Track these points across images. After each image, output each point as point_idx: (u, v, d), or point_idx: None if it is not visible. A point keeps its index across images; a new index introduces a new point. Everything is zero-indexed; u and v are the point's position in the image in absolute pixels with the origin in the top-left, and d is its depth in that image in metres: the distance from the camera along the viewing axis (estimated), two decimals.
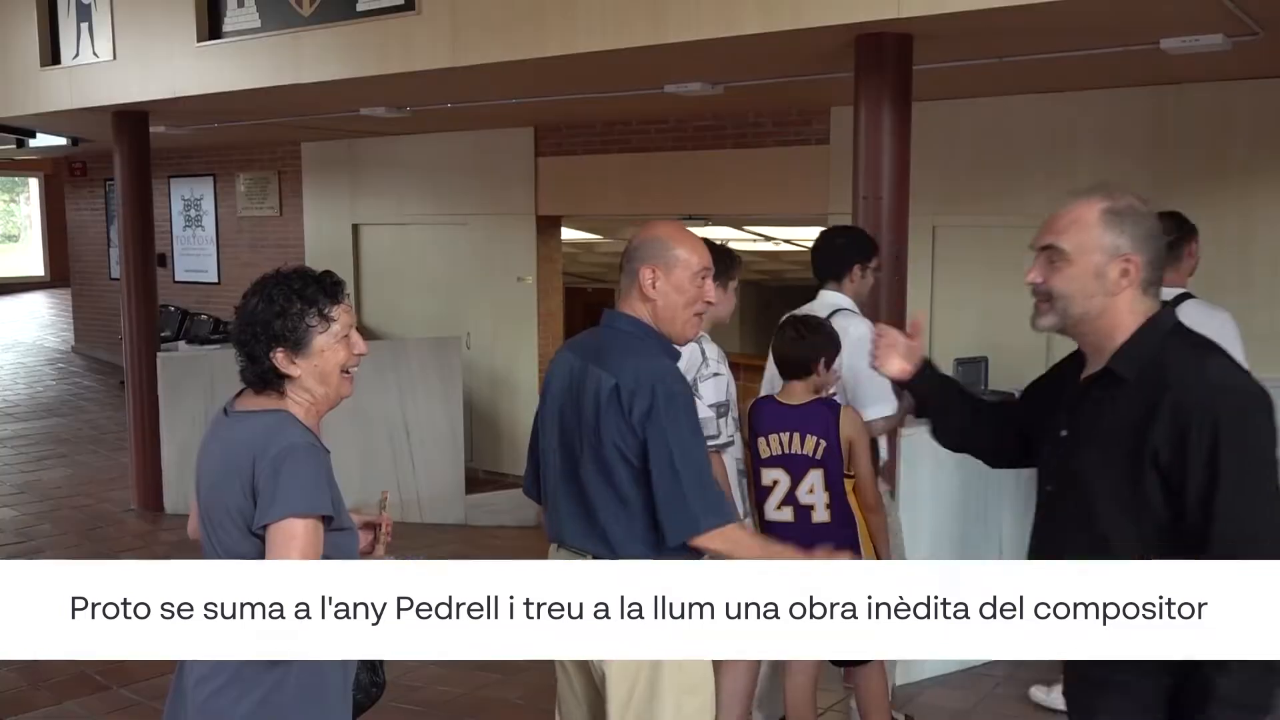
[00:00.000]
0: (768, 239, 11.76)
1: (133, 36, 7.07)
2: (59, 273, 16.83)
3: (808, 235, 10.86)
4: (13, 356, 13.91)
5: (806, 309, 3.99)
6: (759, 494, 3.60)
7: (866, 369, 3.16)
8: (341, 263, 9.96)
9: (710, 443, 3.36)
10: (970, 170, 6.46)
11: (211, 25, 6.60)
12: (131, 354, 8.01)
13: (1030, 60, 5.06)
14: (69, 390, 12.36)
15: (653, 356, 2.57)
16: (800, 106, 7.08)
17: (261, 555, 2.12)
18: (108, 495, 8.37)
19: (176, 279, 11.78)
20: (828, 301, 3.93)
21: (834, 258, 3.96)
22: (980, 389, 5.48)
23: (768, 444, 3.52)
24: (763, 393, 3.86)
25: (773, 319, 14.08)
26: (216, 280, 11.46)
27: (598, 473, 2.55)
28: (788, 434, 3.49)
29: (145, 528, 7.66)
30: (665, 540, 2.49)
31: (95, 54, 7.30)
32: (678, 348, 2.68)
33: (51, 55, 7.65)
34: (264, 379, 2.22)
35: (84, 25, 7.35)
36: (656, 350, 2.61)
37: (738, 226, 11.04)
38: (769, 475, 3.54)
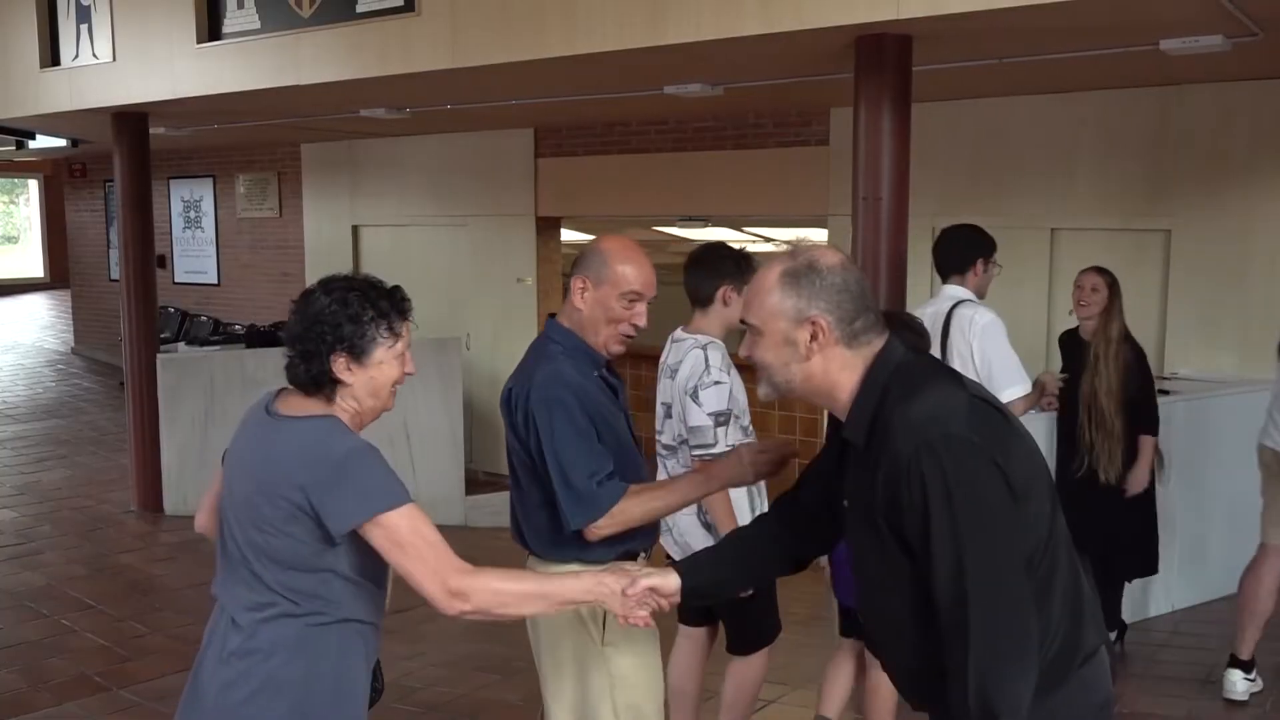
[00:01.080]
0: (767, 240, 11.76)
1: (132, 38, 7.07)
2: (59, 274, 16.84)
3: (808, 237, 10.86)
4: (12, 358, 13.91)
5: (931, 302, 4.29)
6: None
7: (998, 353, 3.77)
8: (341, 264, 9.96)
9: (705, 452, 3.42)
10: (970, 171, 6.46)
11: (211, 26, 6.59)
12: (131, 355, 8.01)
13: (1030, 61, 5.06)
14: (69, 392, 12.36)
15: (548, 360, 2.61)
16: (800, 107, 7.08)
17: (316, 559, 2.11)
18: (108, 496, 8.36)
19: (176, 280, 11.79)
20: (951, 294, 4.20)
21: (957, 253, 4.23)
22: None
23: None
24: None
25: None
26: (216, 282, 11.47)
27: (514, 480, 2.71)
28: None
29: (145, 529, 7.66)
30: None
31: (95, 55, 7.30)
32: (605, 355, 2.70)
33: (51, 57, 7.65)
34: (316, 381, 2.17)
35: (84, 27, 7.35)
36: (558, 354, 2.63)
37: (737, 227, 11.03)
38: None
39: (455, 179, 9.03)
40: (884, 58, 4.58)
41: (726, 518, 3.35)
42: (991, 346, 3.92)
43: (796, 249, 1.99)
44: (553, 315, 2.78)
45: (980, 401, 1.89)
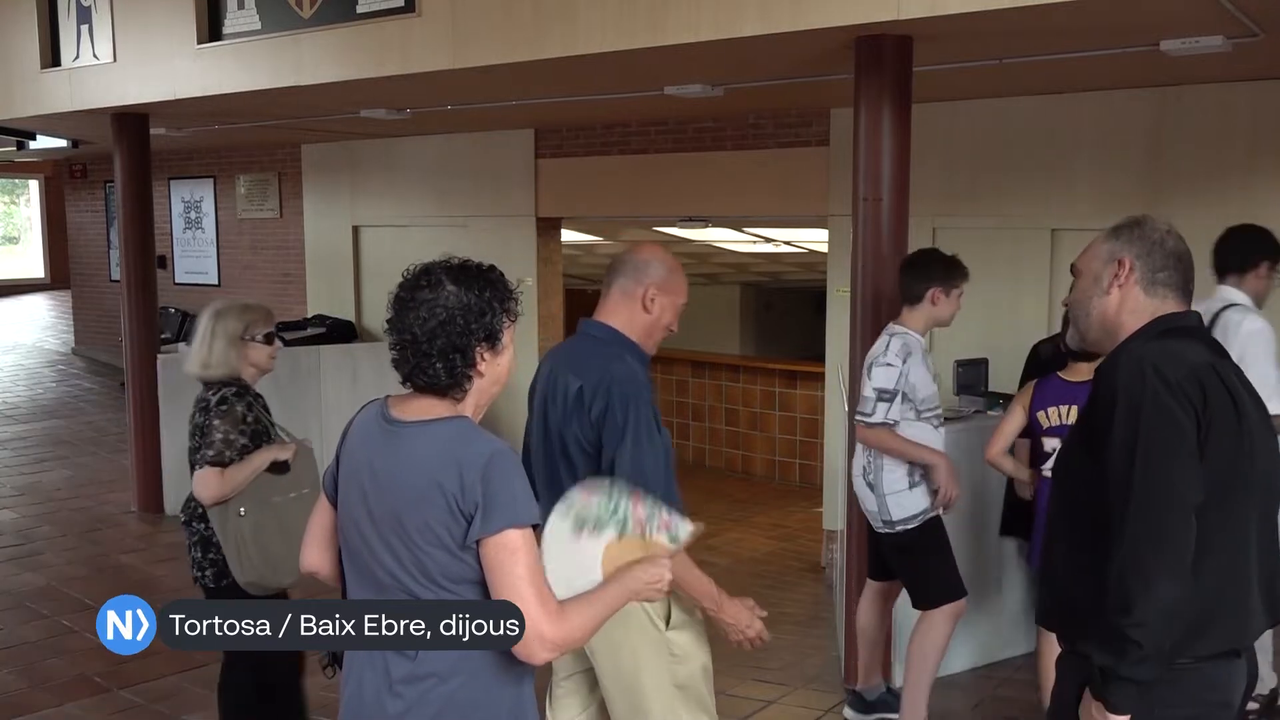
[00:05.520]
0: (767, 240, 11.76)
1: (133, 38, 7.07)
2: (59, 275, 16.84)
3: (807, 237, 10.87)
4: (13, 358, 13.91)
5: (1201, 302, 4.30)
6: (1040, 459, 4.12)
7: (1259, 364, 3.69)
8: (342, 265, 9.97)
9: (863, 419, 3.98)
10: (970, 172, 6.46)
11: (211, 27, 6.60)
12: (132, 356, 8.02)
13: (1030, 62, 5.06)
14: (69, 392, 12.36)
15: (616, 360, 2.81)
16: (800, 108, 7.08)
17: (475, 571, 2.00)
18: (108, 497, 8.37)
19: (176, 281, 11.79)
20: (1223, 296, 4.10)
21: (1239, 253, 4.05)
22: (981, 390, 5.48)
23: (1047, 416, 4.04)
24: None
25: (773, 320, 14.16)
26: (216, 282, 11.46)
27: (568, 470, 2.80)
28: (1065, 406, 3.97)
29: (145, 529, 7.66)
30: None
31: (95, 56, 7.30)
32: (648, 353, 2.94)
33: (52, 57, 7.65)
34: (458, 380, 2.06)
35: (84, 27, 7.35)
36: (621, 354, 2.84)
37: (737, 228, 11.03)
38: (1049, 443, 4.06)
39: (455, 180, 9.03)
40: (884, 58, 4.59)
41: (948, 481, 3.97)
42: (1252, 356, 3.69)
43: (1134, 216, 2.26)
44: (584, 318, 2.98)
45: (1217, 377, 2.03)
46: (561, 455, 2.82)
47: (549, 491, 2.80)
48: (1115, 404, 2.00)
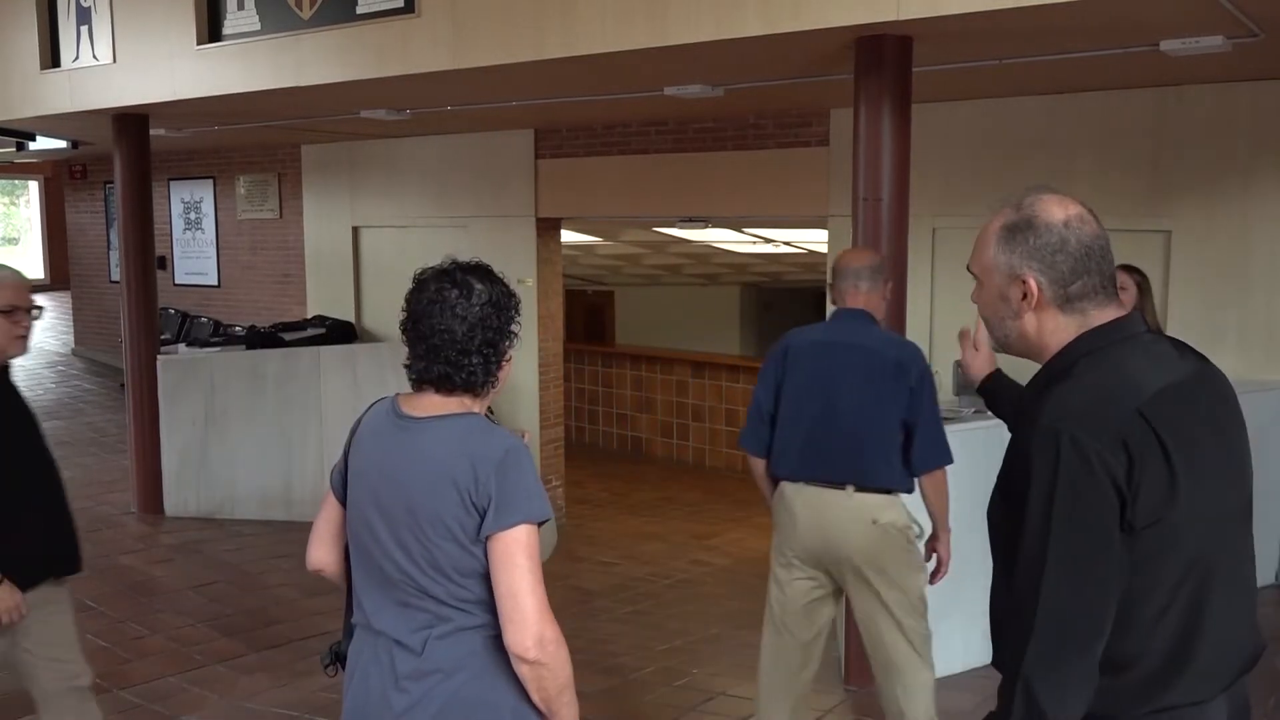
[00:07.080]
0: (768, 241, 11.76)
1: (132, 39, 7.07)
2: (59, 275, 16.85)
3: (808, 237, 10.88)
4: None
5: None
6: None
7: None
8: (342, 265, 9.97)
9: None
10: (970, 172, 6.46)
11: (211, 28, 6.60)
12: (131, 357, 8.01)
13: (1030, 61, 5.06)
14: (69, 393, 12.36)
15: (905, 339, 3.78)
16: (800, 108, 7.08)
17: (484, 564, 2.01)
18: (108, 498, 8.36)
19: (176, 282, 11.79)
20: None
21: None
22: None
23: None
24: None
25: (773, 321, 14.14)
26: (216, 283, 11.47)
27: (870, 424, 3.47)
28: None
29: (145, 530, 7.66)
30: (915, 468, 3.50)
31: (95, 57, 7.30)
32: None
33: (51, 58, 7.65)
34: (492, 376, 2.09)
35: (84, 28, 7.35)
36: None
37: (737, 228, 11.03)
38: None
39: (455, 180, 9.03)
40: (884, 58, 4.59)
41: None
42: None
43: (1025, 200, 1.90)
44: (847, 308, 3.60)
45: (1146, 426, 1.74)
46: (872, 413, 3.45)
47: (824, 445, 3.48)
48: (1030, 476, 1.76)
